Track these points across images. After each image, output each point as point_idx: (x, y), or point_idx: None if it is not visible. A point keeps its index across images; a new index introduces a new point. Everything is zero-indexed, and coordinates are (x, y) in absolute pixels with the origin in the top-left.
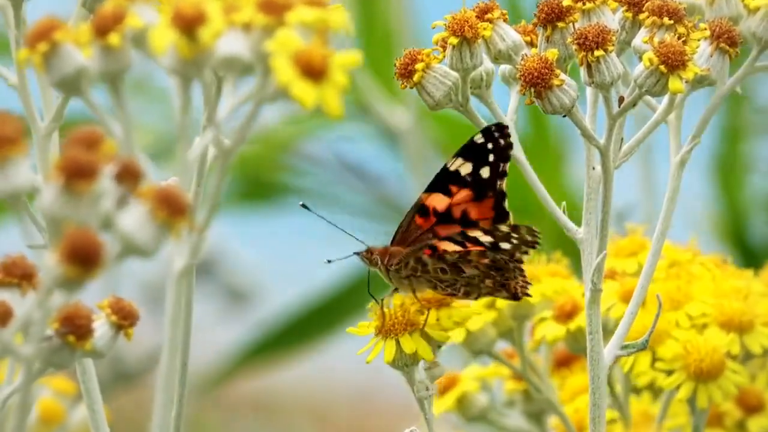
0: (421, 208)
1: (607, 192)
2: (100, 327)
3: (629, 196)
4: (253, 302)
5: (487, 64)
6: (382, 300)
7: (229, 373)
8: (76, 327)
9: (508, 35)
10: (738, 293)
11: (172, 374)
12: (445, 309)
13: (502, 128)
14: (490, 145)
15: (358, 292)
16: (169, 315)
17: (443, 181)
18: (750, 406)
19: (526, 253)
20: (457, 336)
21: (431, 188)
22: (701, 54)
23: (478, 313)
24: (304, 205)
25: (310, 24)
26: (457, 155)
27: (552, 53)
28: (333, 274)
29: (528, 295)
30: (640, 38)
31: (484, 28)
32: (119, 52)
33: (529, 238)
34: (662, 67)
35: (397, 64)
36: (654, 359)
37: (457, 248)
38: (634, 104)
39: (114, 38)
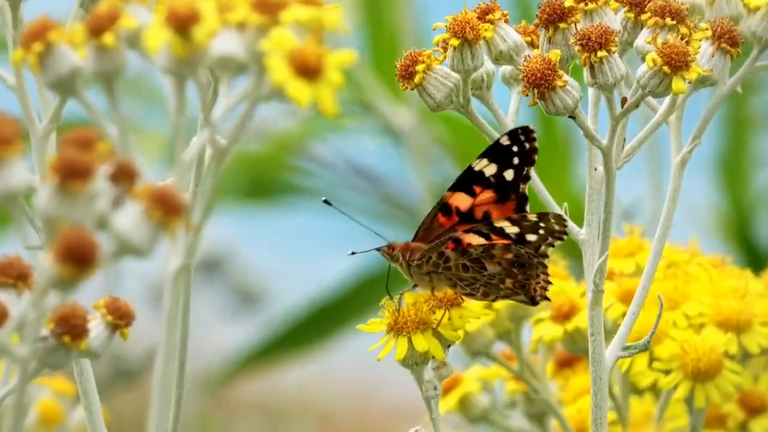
0: (443, 207)
1: (610, 193)
2: (96, 327)
3: (635, 197)
4: (261, 302)
5: (488, 65)
6: (399, 296)
7: (236, 373)
8: (71, 327)
9: (509, 36)
10: (735, 293)
11: (169, 375)
12: (457, 309)
13: (528, 131)
14: (515, 148)
15: (362, 293)
16: (166, 315)
17: (467, 181)
18: (753, 408)
19: (552, 245)
20: None
21: (455, 187)
22: (703, 54)
23: (486, 314)
24: (326, 201)
25: (305, 23)
26: (483, 156)
27: (555, 54)
28: (339, 274)
29: (547, 299)
30: (642, 39)
31: (485, 30)
32: (114, 52)
33: (557, 228)
34: (666, 68)
35: (397, 66)
36: (651, 359)
37: (482, 241)
38: (636, 105)
39: (108, 38)
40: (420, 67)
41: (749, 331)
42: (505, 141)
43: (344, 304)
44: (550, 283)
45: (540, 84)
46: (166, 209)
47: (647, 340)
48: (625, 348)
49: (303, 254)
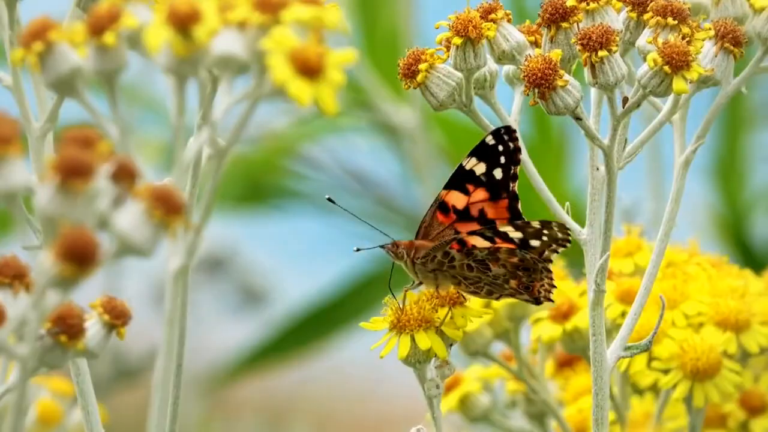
0: (441, 205)
1: (611, 193)
2: (92, 326)
3: (637, 197)
4: (261, 302)
5: (491, 64)
6: (403, 294)
7: (236, 374)
8: (67, 326)
9: (512, 35)
10: (734, 292)
11: (169, 374)
12: (459, 307)
13: (510, 131)
14: (500, 147)
15: (361, 294)
16: (166, 314)
17: (460, 180)
18: (753, 408)
19: (556, 251)
20: None
21: (449, 185)
22: (706, 54)
23: (488, 312)
24: (330, 199)
25: (306, 22)
26: (471, 154)
27: (556, 54)
28: (337, 276)
29: (551, 300)
30: (644, 38)
31: (488, 29)
32: (114, 52)
33: (560, 236)
34: (666, 68)
35: (400, 65)
36: (650, 358)
37: (486, 244)
38: (638, 105)
39: (109, 37)
40: (423, 66)
41: (748, 330)
42: (490, 140)
43: (343, 304)
44: (554, 286)
45: (541, 83)
46: (167, 209)
47: (649, 340)
48: (627, 348)
49: (300, 257)
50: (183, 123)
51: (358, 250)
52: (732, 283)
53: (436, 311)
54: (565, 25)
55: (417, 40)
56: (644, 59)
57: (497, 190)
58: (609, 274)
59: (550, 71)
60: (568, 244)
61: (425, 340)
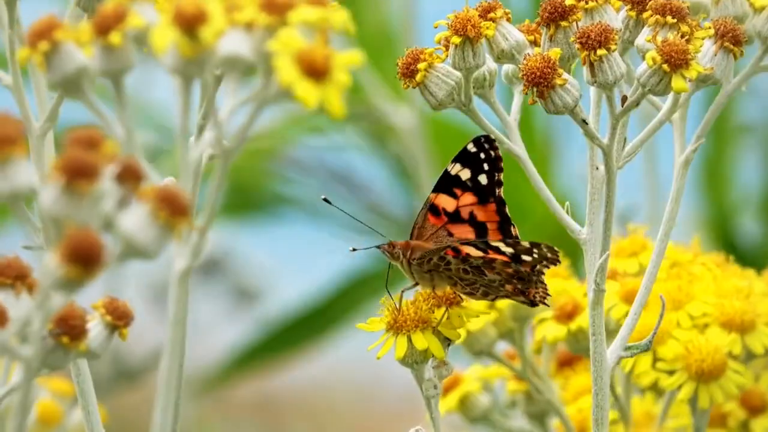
0: (431, 207)
1: (611, 192)
2: (95, 327)
3: (632, 197)
4: (254, 303)
5: (490, 63)
6: (401, 293)
7: (229, 375)
8: (70, 327)
9: (511, 34)
10: (739, 293)
11: (173, 375)
12: (456, 308)
13: (490, 140)
14: (482, 155)
15: (353, 295)
16: (171, 315)
17: (447, 184)
18: (754, 407)
19: (547, 266)
20: None
21: (437, 189)
22: (705, 53)
23: (486, 312)
24: (326, 200)
25: (313, 23)
26: (455, 161)
27: (555, 52)
28: (327, 278)
29: (546, 304)
30: (643, 37)
31: (487, 28)
32: (121, 51)
33: (550, 255)
34: (665, 66)
35: (399, 64)
36: (655, 359)
37: (479, 253)
38: (637, 104)
39: (115, 37)
40: (422, 66)
41: (753, 331)
42: (471, 148)
43: (334, 305)
44: (548, 294)
45: (539, 82)
46: (172, 210)
47: (649, 340)
48: (627, 348)
49: (290, 261)
50: (188, 124)
51: (354, 249)
52: (737, 284)
53: (433, 311)
54: (564, 23)
55: (407, 39)
56: (643, 58)
57: (484, 194)
58: (614, 274)
59: (549, 70)
60: (558, 263)
61: (422, 341)
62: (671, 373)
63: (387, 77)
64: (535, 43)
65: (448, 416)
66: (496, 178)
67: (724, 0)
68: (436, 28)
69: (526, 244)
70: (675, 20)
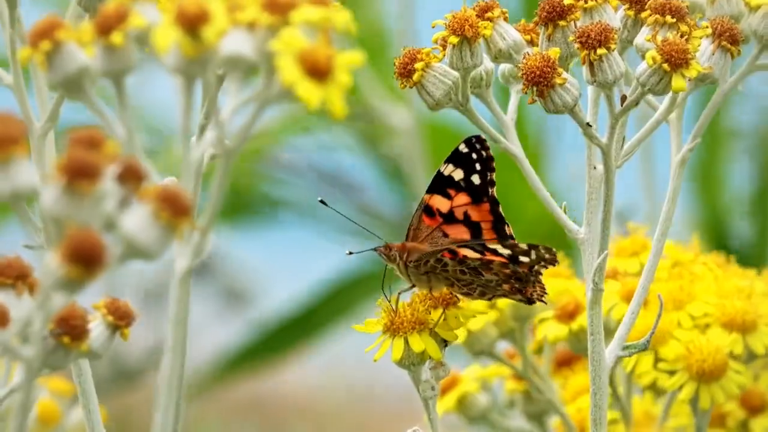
0: (426, 208)
1: (609, 191)
2: (96, 327)
3: (628, 196)
4: (245, 303)
5: (487, 63)
6: (398, 296)
7: (223, 376)
8: (71, 328)
9: (509, 34)
10: (741, 293)
11: (175, 375)
12: (453, 308)
13: (481, 141)
14: (474, 155)
15: (342, 299)
16: (173, 315)
17: (440, 185)
18: (753, 407)
19: (545, 267)
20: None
21: (431, 190)
22: (703, 52)
23: (483, 312)
24: (322, 201)
25: (315, 23)
26: (448, 161)
27: (554, 52)
28: (318, 280)
29: (543, 301)
30: (642, 36)
31: (485, 27)
32: (122, 51)
33: (548, 256)
34: (665, 66)
35: (396, 63)
36: (656, 359)
37: (477, 255)
38: (636, 103)
39: (117, 37)
40: (419, 65)
41: (755, 331)
42: (463, 149)
43: (328, 306)
44: (545, 293)
45: (539, 82)
46: (174, 210)
47: (647, 340)
48: (625, 347)
49: (282, 262)
50: (190, 124)
51: (350, 253)
52: (738, 284)
53: (430, 313)
54: (562, 23)
55: (403, 39)
56: (642, 57)
57: (478, 194)
58: (614, 273)
59: (549, 69)
60: (556, 264)
61: (419, 343)
62: (672, 373)
63: (382, 77)
64: (531, 43)
65: (446, 416)
66: (489, 177)
67: None
68: (433, 27)
69: (523, 246)
70: (674, 20)
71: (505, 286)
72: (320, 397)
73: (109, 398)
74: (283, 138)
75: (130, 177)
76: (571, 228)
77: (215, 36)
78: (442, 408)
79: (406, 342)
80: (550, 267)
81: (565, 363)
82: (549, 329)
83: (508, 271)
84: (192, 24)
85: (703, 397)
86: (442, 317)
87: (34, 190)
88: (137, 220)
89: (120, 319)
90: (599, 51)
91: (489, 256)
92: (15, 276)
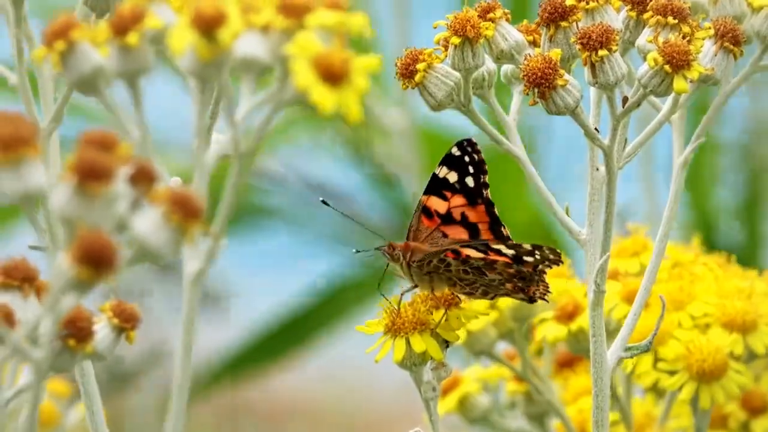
0: (424, 210)
1: (611, 193)
2: (101, 330)
3: (628, 196)
4: (233, 311)
5: (489, 64)
6: (400, 296)
7: (214, 382)
8: (77, 330)
9: (511, 35)
10: (741, 293)
11: (186, 378)
12: (455, 309)
13: (473, 144)
14: (466, 158)
15: (333, 304)
16: (184, 317)
17: (436, 187)
18: (754, 408)
19: (549, 266)
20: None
21: (428, 191)
22: (705, 53)
23: (485, 313)
24: (324, 201)
25: (330, 27)
26: (442, 164)
27: (556, 53)
28: (307, 286)
29: (545, 300)
30: (644, 38)
31: (487, 28)
32: (138, 52)
33: (552, 257)
34: (667, 67)
35: (398, 64)
36: (656, 360)
37: (480, 255)
38: (638, 104)
39: (132, 38)
40: (421, 66)
41: (755, 331)
42: (456, 152)
43: (317, 313)
44: (549, 291)
45: (540, 83)
46: (186, 212)
47: (649, 341)
48: (627, 349)
49: (270, 270)
50: (204, 126)
51: (357, 251)
52: (739, 284)
53: (431, 313)
54: (564, 24)
55: (400, 40)
56: (644, 59)
57: (472, 196)
58: (615, 274)
59: (550, 70)
60: (561, 264)
61: (420, 343)
62: (672, 373)
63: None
64: (534, 44)
65: (447, 417)
66: (482, 180)
67: (722, 0)
68: (435, 28)
69: (527, 246)
70: (676, 21)
71: (508, 285)
72: (314, 401)
73: (103, 401)
74: (270, 147)
75: (142, 179)
76: (573, 229)
77: (230, 38)
78: (443, 408)
79: (408, 342)
80: (555, 267)
81: (566, 364)
82: (548, 330)
83: (512, 270)
84: (208, 26)
85: (703, 397)
86: (444, 318)
87: (44, 191)
88: (149, 222)
89: (125, 321)
90: (600, 52)
91: (493, 256)
92: (21, 278)
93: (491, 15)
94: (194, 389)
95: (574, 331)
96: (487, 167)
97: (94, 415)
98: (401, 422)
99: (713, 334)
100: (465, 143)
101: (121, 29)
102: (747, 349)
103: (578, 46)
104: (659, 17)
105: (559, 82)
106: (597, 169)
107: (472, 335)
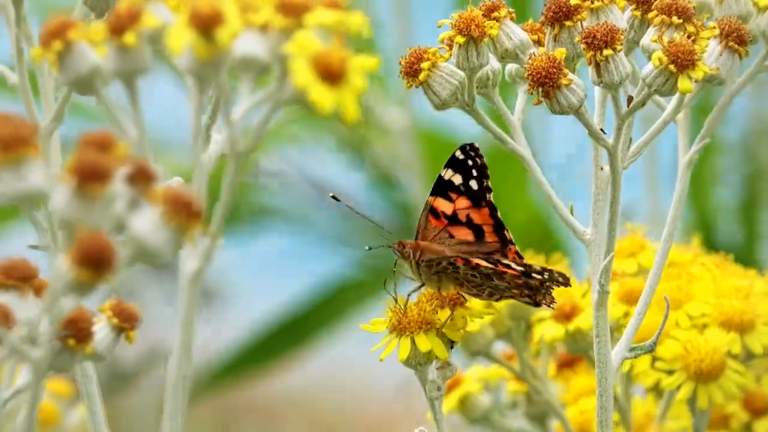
0: (432, 210)
1: (616, 192)
2: (101, 330)
3: (631, 196)
4: (232, 311)
5: (494, 63)
6: (407, 296)
7: (214, 382)
8: (76, 330)
9: (515, 34)
10: (738, 293)
11: (183, 378)
12: (460, 308)
13: (475, 149)
14: (470, 162)
15: (333, 305)
16: (182, 317)
17: (442, 188)
18: (756, 409)
19: (557, 285)
20: None
21: (434, 192)
22: (710, 53)
23: (490, 313)
24: (334, 197)
25: (329, 27)
26: (447, 166)
27: (560, 52)
28: (308, 287)
29: (551, 307)
30: (649, 37)
31: (491, 27)
32: (135, 52)
33: (561, 280)
34: (671, 67)
35: (402, 63)
36: (654, 359)
37: (490, 265)
38: (642, 104)
39: (130, 37)
40: (425, 65)
41: (753, 331)
42: (459, 155)
43: (317, 313)
44: (554, 301)
45: (545, 82)
46: (184, 212)
47: (653, 341)
48: (632, 349)
49: (271, 270)
50: (200, 125)
51: (369, 249)
52: (736, 284)
53: (437, 313)
54: (568, 23)
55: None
56: (649, 58)
57: (476, 199)
58: (612, 274)
59: (555, 70)
60: (569, 286)
61: (426, 343)
62: (670, 373)
63: (374, 77)
64: (539, 43)
65: (448, 416)
66: (485, 183)
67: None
68: (439, 27)
69: (537, 266)
70: (681, 20)
71: (515, 291)
72: (314, 401)
73: (103, 401)
74: (269, 146)
75: (141, 179)
76: (578, 229)
77: (229, 37)
78: (444, 408)
79: (413, 342)
80: (562, 287)
81: (567, 364)
82: (546, 330)
83: (520, 281)
84: (206, 25)
85: (701, 397)
86: (450, 317)
87: (44, 191)
88: (147, 222)
89: (125, 321)
90: (605, 52)
91: (502, 268)
92: (20, 278)
93: (496, 14)
94: (194, 389)
95: (572, 332)
96: (488, 171)
97: (94, 416)
98: (401, 422)
99: (711, 334)
100: (468, 147)
101: (118, 29)
102: (744, 348)
103: (583, 46)
104: (664, 17)
105: (564, 81)
106: (601, 169)
107: (469, 335)
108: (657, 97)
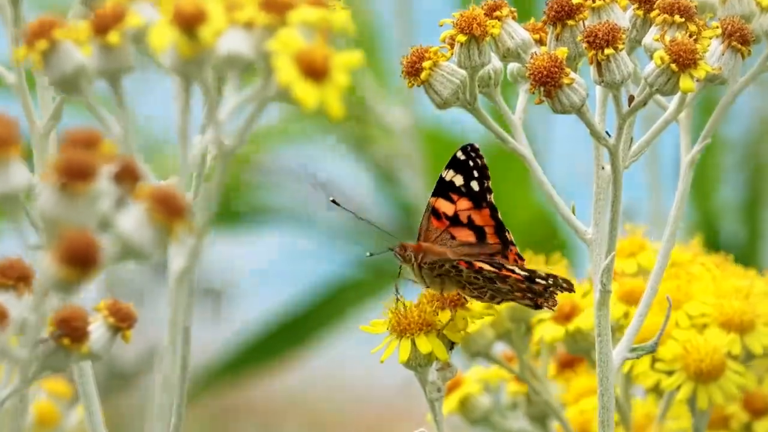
0: (433, 211)
1: (617, 192)
2: (97, 329)
3: (632, 195)
4: (234, 309)
5: (496, 62)
6: (415, 299)
7: (212, 382)
8: (71, 329)
9: (517, 33)
10: (738, 293)
11: (172, 377)
12: (461, 310)
13: (476, 149)
14: (471, 163)
15: (334, 304)
16: (169, 316)
17: (443, 189)
18: (756, 410)
19: (561, 291)
20: None
21: (436, 193)
22: (713, 52)
23: (491, 314)
24: (333, 201)
25: (313, 24)
26: (448, 167)
27: (562, 52)
28: (309, 286)
29: (552, 310)
30: (650, 36)
31: (493, 26)
32: (119, 51)
33: (565, 285)
34: (673, 66)
35: (403, 62)
36: (654, 360)
37: (493, 269)
38: (644, 103)
39: (114, 36)
40: (427, 64)
41: (753, 331)
42: (460, 156)
43: (317, 313)
44: (556, 304)
45: (546, 82)
46: (169, 210)
47: (655, 342)
48: (633, 349)
49: (272, 269)
50: (187, 123)
51: (371, 255)
52: (736, 284)
53: (437, 314)
54: (570, 22)
55: (403, 38)
56: (650, 57)
57: (477, 200)
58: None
59: (556, 69)
60: (573, 293)
61: (426, 344)
62: (670, 373)
63: (377, 76)
64: (541, 42)
65: (448, 417)
66: (486, 185)
67: None
68: (441, 26)
69: (541, 272)
70: (683, 19)
71: (517, 294)
72: (314, 401)
73: (102, 401)
74: (271, 145)
75: (126, 177)
76: (579, 228)
77: (212, 35)
78: (444, 409)
79: (413, 343)
80: (566, 293)
81: (567, 365)
82: (546, 330)
83: (523, 286)
84: (189, 23)
85: (700, 397)
86: (449, 318)
87: (31, 189)
88: (132, 220)
89: (121, 320)
90: (607, 51)
91: (506, 272)
92: (16, 277)
93: (498, 13)
94: (194, 389)
95: (572, 332)
96: (489, 172)
97: (92, 416)
98: (401, 422)
99: (711, 334)
100: (468, 148)
101: (102, 28)
102: (744, 349)
103: (584, 45)
104: (666, 16)
105: (565, 80)
106: (603, 168)
107: (468, 337)
108: (659, 97)
